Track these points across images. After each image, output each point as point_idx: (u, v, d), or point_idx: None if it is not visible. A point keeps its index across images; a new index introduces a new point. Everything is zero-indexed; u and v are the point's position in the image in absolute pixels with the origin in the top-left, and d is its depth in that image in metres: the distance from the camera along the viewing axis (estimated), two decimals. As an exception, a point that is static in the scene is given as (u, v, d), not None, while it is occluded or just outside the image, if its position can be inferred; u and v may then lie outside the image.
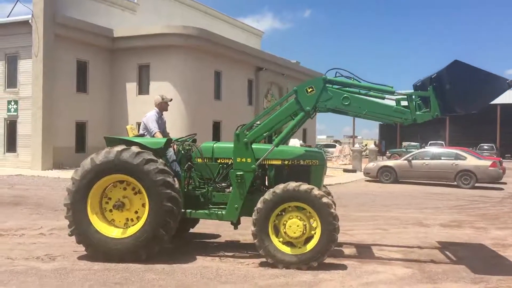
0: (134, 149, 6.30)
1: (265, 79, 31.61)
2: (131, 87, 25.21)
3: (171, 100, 7.86)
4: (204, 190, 6.76)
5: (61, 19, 22.47)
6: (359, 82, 6.37)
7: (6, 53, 23.30)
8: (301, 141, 25.11)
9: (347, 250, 7.21)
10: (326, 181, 8.17)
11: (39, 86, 21.92)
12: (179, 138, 7.27)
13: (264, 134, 6.49)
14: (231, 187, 6.64)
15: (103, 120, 25.06)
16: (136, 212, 6.40)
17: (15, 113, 23.14)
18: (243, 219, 6.80)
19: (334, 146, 43.06)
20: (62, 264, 6.08)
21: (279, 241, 6.06)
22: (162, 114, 7.62)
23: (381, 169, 20.08)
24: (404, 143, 47.89)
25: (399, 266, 6.38)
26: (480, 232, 9.11)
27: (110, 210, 6.44)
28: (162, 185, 6.11)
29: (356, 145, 33.69)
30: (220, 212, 6.56)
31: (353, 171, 25.25)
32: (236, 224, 6.71)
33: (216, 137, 26.05)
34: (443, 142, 45.84)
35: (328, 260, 6.11)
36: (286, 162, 6.60)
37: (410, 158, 19.86)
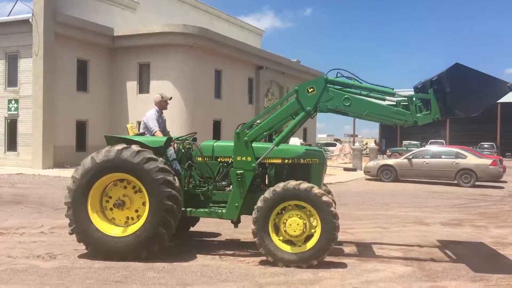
0: (135, 147, 6.31)
1: (265, 78, 31.61)
2: (132, 86, 25.23)
3: (170, 98, 7.86)
4: (204, 188, 6.76)
5: (61, 18, 22.48)
6: (360, 83, 6.37)
7: (7, 52, 23.29)
8: (301, 140, 25.10)
9: (347, 249, 7.22)
10: (326, 179, 8.19)
11: (40, 85, 21.94)
12: (180, 137, 7.28)
13: (265, 133, 6.51)
14: (231, 186, 6.64)
15: (104, 118, 25.07)
16: (137, 210, 6.42)
17: (16, 112, 23.15)
18: (243, 217, 6.83)
19: (334, 145, 43.10)
20: (63, 263, 6.09)
21: (279, 239, 6.07)
22: (162, 113, 7.64)
23: (381, 167, 20.08)
24: (405, 142, 47.90)
25: (399, 264, 6.39)
26: (480, 230, 9.12)
27: (111, 209, 6.45)
28: (162, 184, 6.12)
29: (357, 144, 33.76)
30: (220, 211, 6.57)
31: (354, 169, 25.28)
32: (236, 222, 6.72)
33: (216, 135, 26.05)
34: (443, 141, 45.83)
35: (328, 259, 6.12)
36: (287, 161, 6.60)
37: (411, 157, 19.87)
